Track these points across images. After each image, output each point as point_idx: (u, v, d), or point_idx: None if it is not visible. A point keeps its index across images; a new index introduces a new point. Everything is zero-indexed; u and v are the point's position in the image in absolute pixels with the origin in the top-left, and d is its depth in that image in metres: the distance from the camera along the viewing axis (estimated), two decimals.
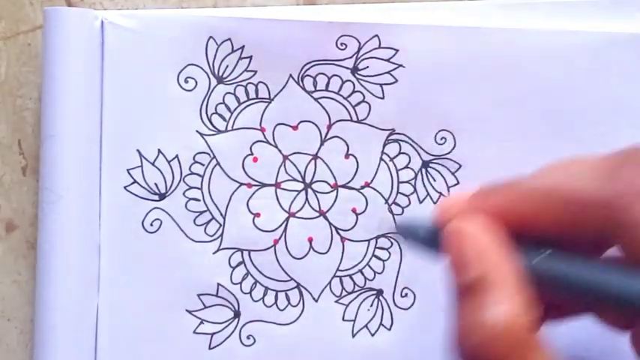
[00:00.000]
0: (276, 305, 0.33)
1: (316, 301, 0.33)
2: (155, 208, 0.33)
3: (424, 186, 0.33)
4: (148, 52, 0.32)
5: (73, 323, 0.31)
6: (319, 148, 0.33)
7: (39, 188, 0.32)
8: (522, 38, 0.32)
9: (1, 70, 0.34)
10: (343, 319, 0.33)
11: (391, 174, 0.33)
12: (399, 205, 0.33)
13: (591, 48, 0.32)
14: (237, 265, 0.33)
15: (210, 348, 0.32)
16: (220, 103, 0.33)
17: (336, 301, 0.33)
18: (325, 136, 0.33)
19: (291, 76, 0.33)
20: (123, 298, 0.32)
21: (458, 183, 0.33)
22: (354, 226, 0.33)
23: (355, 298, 0.33)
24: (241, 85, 0.33)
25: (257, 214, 0.33)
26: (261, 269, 0.33)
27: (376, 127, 0.33)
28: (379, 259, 0.33)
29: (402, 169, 0.33)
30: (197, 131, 0.33)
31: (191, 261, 0.33)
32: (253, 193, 0.33)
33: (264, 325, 0.33)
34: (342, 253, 0.33)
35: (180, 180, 0.33)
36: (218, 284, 0.33)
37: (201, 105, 0.33)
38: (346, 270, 0.33)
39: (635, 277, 0.21)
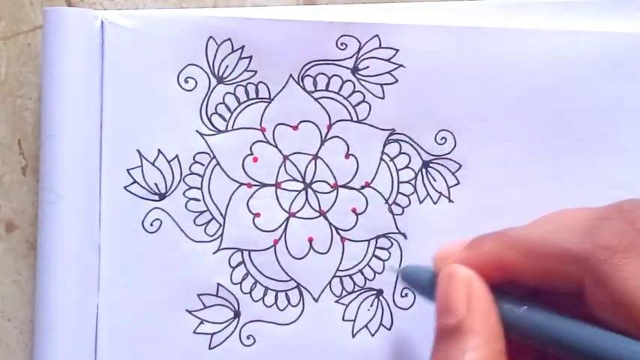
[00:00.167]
0: (276, 305, 0.33)
1: (316, 301, 0.33)
2: (155, 208, 0.33)
3: (424, 186, 0.33)
4: (148, 52, 0.32)
5: (73, 323, 0.31)
6: (319, 148, 0.33)
7: (39, 188, 0.32)
8: (522, 38, 0.32)
9: (1, 70, 0.34)
10: (343, 319, 0.33)
11: (391, 174, 0.33)
12: (399, 205, 0.33)
13: (591, 48, 0.32)
14: (237, 265, 0.33)
15: (210, 348, 0.32)
16: (220, 103, 0.33)
17: (336, 301, 0.33)
18: (325, 136, 0.33)
19: (291, 76, 0.33)
20: (123, 298, 0.32)
21: (458, 183, 0.33)
22: (354, 226, 0.33)
23: (355, 298, 0.33)
24: (241, 85, 0.33)
25: (257, 214, 0.33)
26: (261, 269, 0.33)
27: (376, 127, 0.33)
28: (379, 259, 0.33)
29: (402, 169, 0.33)
30: (197, 131, 0.33)
31: (191, 261, 0.33)
32: (253, 193, 0.33)
33: (264, 325, 0.33)
34: (342, 253, 0.33)
35: (180, 180, 0.33)
36: (218, 284, 0.33)
37: (201, 105, 0.33)
38: (346, 270, 0.33)
39: (600, 336, 0.22)
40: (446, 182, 0.33)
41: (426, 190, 0.33)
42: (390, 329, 0.33)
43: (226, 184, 0.33)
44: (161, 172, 0.33)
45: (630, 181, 0.32)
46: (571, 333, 0.23)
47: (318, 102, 0.33)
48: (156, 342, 0.32)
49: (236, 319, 0.33)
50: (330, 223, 0.33)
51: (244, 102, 0.33)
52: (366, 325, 0.33)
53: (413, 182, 0.33)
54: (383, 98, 0.33)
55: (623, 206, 0.23)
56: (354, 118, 0.33)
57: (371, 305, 0.33)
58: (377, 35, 0.32)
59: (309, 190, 0.33)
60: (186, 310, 0.32)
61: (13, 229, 0.34)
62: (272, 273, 0.33)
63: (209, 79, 0.33)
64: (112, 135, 0.33)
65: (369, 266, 0.33)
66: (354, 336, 0.32)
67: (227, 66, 0.33)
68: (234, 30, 0.32)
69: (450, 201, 0.33)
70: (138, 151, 0.33)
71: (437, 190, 0.33)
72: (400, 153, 0.33)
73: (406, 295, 0.33)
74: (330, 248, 0.33)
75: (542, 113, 0.32)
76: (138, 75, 0.33)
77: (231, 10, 0.33)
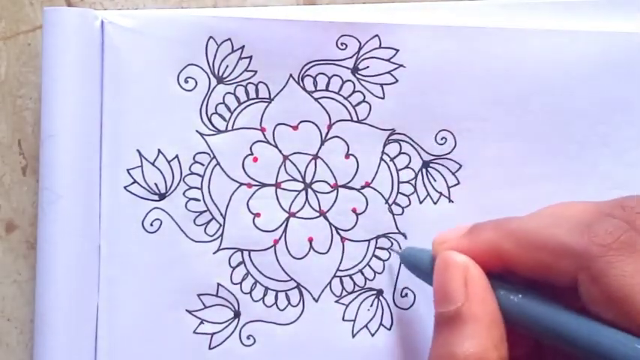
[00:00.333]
0: (277, 305, 0.33)
1: (316, 301, 0.33)
2: (155, 208, 0.33)
3: (424, 186, 0.33)
4: (148, 52, 0.32)
5: (73, 323, 0.31)
6: (319, 148, 0.33)
7: (39, 188, 0.32)
8: (522, 38, 0.32)
9: (1, 70, 0.34)
10: (343, 319, 0.33)
11: (391, 174, 0.33)
12: (399, 205, 0.33)
13: (591, 48, 0.32)
14: (238, 265, 0.33)
15: (210, 348, 0.32)
16: (220, 103, 0.33)
17: (336, 301, 0.33)
18: (325, 136, 0.33)
19: (291, 76, 0.33)
20: (123, 298, 0.32)
21: (458, 183, 0.33)
22: (354, 226, 0.33)
23: (355, 298, 0.33)
24: (241, 85, 0.33)
25: (257, 214, 0.33)
26: (261, 269, 0.33)
27: (376, 127, 0.33)
28: (379, 259, 0.33)
29: (402, 169, 0.33)
30: (197, 131, 0.33)
31: (191, 261, 0.32)
32: (253, 193, 0.33)
33: (264, 325, 0.33)
34: (342, 253, 0.33)
35: (180, 180, 0.33)
36: (218, 284, 0.32)
37: (201, 105, 0.33)
38: (346, 270, 0.33)
39: (593, 328, 0.23)
40: (446, 182, 0.33)
41: (426, 190, 0.33)
42: (390, 329, 0.33)
43: (226, 184, 0.33)
44: (161, 172, 0.33)
45: (630, 181, 0.32)
46: (565, 323, 0.23)
47: (318, 102, 0.33)
48: (156, 342, 0.32)
49: (236, 319, 0.33)
50: (330, 223, 0.33)
51: (244, 102, 0.33)
52: (366, 325, 0.33)
53: (413, 182, 0.33)
54: (383, 98, 0.33)
55: (626, 202, 0.23)
56: (354, 118, 0.33)
57: (371, 305, 0.33)
58: (377, 35, 0.32)
59: (309, 190, 0.33)
60: (186, 310, 0.32)
61: (13, 229, 0.34)
62: (272, 273, 0.33)
63: (209, 79, 0.33)
64: (112, 135, 0.33)
65: (369, 266, 0.33)
66: (354, 336, 0.32)
67: (227, 66, 0.33)
68: (234, 30, 0.32)
69: (450, 201, 0.33)
70: (138, 151, 0.33)
71: (437, 190, 0.33)
72: (400, 153, 0.33)
73: (406, 295, 0.33)
74: (330, 248, 0.33)
75: (542, 113, 0.32)
76: (138, 75, 0.33)
77: (231, 10, 0.33)
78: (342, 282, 0.33)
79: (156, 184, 0.33)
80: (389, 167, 0.33)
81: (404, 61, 0.32)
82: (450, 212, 0.32)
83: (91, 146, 0.32)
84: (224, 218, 0.33)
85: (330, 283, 0.33)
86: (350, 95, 0.33)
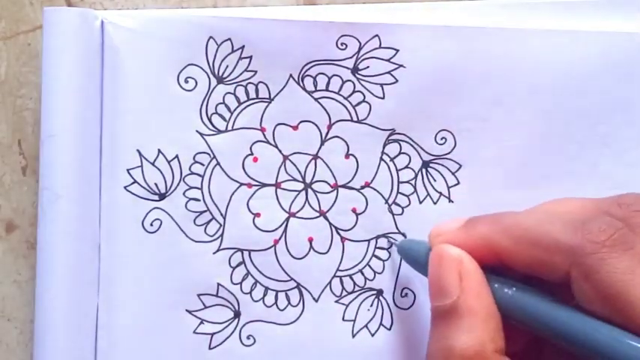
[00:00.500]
0: (277, 305, 0.33)
1: (316, 301, 0.33)
2: (155, 208, 0.33)
3: (424, 186, 0.33)
4: (148, 52, 0.32)
5: (73, 323, 0.31)
6: (319, 148, 0.33)
7: (39, 188, 0.32)
8: (522, 38, 0.32)
9: (1, 70, 0.34)
10: (343, 319, 0.33)
11: (391, 174, 0.33)
12: (399, 205, 0.33)
13: (591, 48, 0.32)
14: (238, 265, 0.33)
15: (210, 348, 0.32)
16: (220, 103, 0.33)
17: (336, 301, 0.33)
18: (325, 136, 0.33)
19: (291, 76, 0.33)
20: (123, 298, 0.32)
21: (458, 183, 0.33)
22: (354, 226, 0.33)
23: (355, 298, 0.33)
24: (241, 85, 0.33)
25: (257, 214, 0.33)
26: (261, 269, 0.33)
27: (376, 127, 0.33)
28: (379, 259, 0.33)
29: (402, 169, 0.33)
30: (197, 131, 0.33)
31: (191, 261, 0.32)
32: (253, 193, 0.33)
33: (264, 325, 0.33)
34: (342, 253, 0.33)
35: (180, 180, 0.33)
36: (218, 284, 0.32)
37: (201, 105, 0.33)
38: (346, 270, 0.33)
39: (586, 323, 0.23)
40: (446, 182, 0.33)
41: (426, 190, 0.33)
42: (390, 329, 0.33)
43: (226, 184, 0.33)
44: (161, 172, 0.33)
45: (630, 181, 0.32)
46: (558, 317, 0.23)
47: (318, 102, 0.33)
48: (156, 342, 0.32)
49: (236, 319, 0.33)
50: (330, 223, 0.33)
51: (244, 102, 0.33)
52: (366, 325, 0.33)
53: (413, 182, 0.33)
54: (383, 98, 0.33)
55: (623, 199, 0.24)
56: (354, 118, 0.33)
57: (371, 305, 0.33)
58: (377, 35, 0.32)
59: (309, 190, 0.33)
60: (186, 310, 0.32)
61: (13, 229, 0.34)
62: (272, 273, 0.33)
63: (209, 79, 0.33)
64: (111, 135, 0.33)
65: (369, 266, 0.33)
66: (354, 336, 0.32)
67: (227, 66, 0.33)
68: (234, 30, 0.32)
69: (450, 201, 0.33)
70: (138, 151, 0.33)
71: (437, 190, 0.33)
72: (400, 153, 0.33)
73: (406, 295, 0.33)
74: (330, 248, 0.33)
75: (542, 113, 0.32)
76: (138, 75, 0.33)
77: (231, 10, 0.33)
78: (342, 282, 0.33)
79: (156, 184, 0.33)
80: (389, 167, 0.33)
81: (404, 61, 0.32)
82: (450, 212, 0.32)
83: (90, 146, 0.32)
84: (224, 218, 0.33)
85: (330, 283, 0.33)
86: (350, 95, 0.33)
